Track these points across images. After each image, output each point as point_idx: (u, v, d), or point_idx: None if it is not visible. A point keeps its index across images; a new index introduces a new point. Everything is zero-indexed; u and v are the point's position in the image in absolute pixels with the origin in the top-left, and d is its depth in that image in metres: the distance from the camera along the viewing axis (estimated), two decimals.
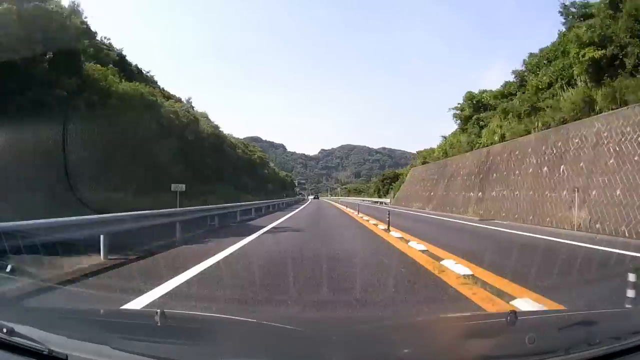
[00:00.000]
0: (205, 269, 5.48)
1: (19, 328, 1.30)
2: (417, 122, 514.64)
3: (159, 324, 1.58)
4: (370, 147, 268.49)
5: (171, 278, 4.76)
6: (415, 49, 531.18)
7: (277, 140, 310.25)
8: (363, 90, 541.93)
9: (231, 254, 7.00)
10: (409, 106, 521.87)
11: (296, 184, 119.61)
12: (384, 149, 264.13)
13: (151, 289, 4.21)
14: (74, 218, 6.18)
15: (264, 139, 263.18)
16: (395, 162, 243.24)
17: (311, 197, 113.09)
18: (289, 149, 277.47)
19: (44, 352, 1.21)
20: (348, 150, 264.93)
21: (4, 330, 1.26)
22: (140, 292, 4.07)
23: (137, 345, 1.43)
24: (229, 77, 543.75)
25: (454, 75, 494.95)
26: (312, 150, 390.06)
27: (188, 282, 4.68)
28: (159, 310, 1.59)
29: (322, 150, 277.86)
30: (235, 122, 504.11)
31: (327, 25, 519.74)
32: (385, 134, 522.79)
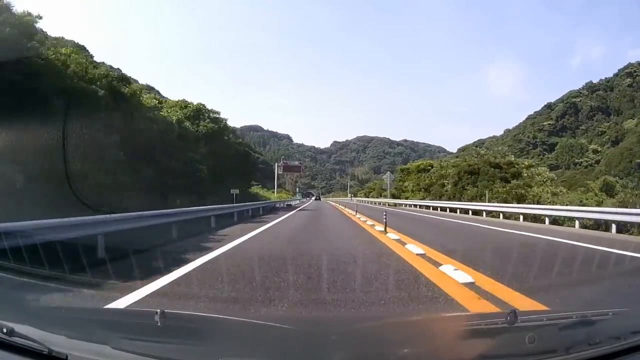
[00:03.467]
0: None
1: (19, 328, 1.30)
2: (436, 115, 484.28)
3: (159, 324, 1.58)
4: (392, 138, 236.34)
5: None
6: (429, 42, 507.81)
7: (281, 131, 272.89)
8: (381, 79, 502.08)
9: None
10: (428, 97, 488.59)
11: (278, 167, 61.52)
12: (406, 141, 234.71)
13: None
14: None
15: (265, 128, 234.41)
16: (419, 155, 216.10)
17: (313, 198, 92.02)
18: (296, 140, 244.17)
19: (44, 352, 1.21)
20: (365, 142, 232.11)
21: (4, 330, 1.26)
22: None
23: (137, 345, 1.43)
24: (230, 65, 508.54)
25: (462, 70, 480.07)
26: (324, 143, 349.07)
27: None
28: (159, 310, 1.60)
29: (335, 142, 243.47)
30: (233, 111, 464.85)
31: (342, 13, 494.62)
32: (407, 125, 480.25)
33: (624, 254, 6.97)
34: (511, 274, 5.03)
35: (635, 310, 2.59)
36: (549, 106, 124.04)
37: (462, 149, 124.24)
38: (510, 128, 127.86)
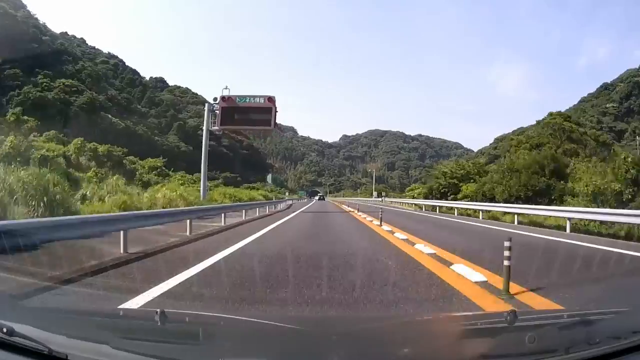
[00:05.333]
0: None
1: (19, 328, 1.30)
2: (448, 111, 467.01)
3: (159, 324, 1.59)
4: (406, 133, 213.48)
5: None
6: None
7: (284, 122, 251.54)
8: (392, 73, 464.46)
9: None
10: (440, 94, 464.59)
11: (212, 115, 23.62)
12: (421, 136, 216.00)
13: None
14: None
15: None
16: (436, 152, 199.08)
17: (316, 197, 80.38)
18: (301, 133, 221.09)
19: (44, 352, 1.21)
20: (377, 137, 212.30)
21: (4, 330, 1.26)
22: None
23: (137, 345, 1.43)
24: (236, 60, 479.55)
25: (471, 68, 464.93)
26: (332, 136, 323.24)
27: None
28: (159, 310, 1.60)
29: (345, 136, 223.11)
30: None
31: (352, 11, 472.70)
32: (421, 120, 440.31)
33: None
34: None
35: (635, 310, 2.58)
36: (606, 87, 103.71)
37: (499, 139, 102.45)
38: (556, 111, 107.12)
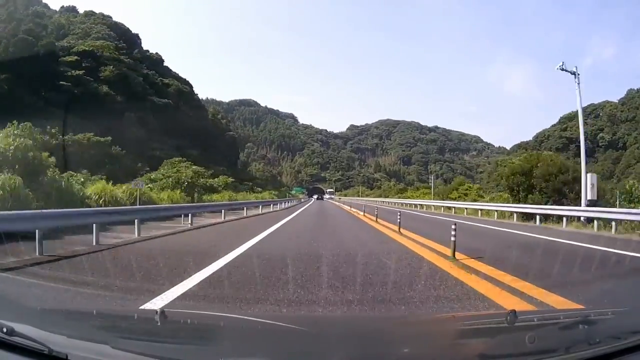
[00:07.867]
0: None
1: (19, 328, 1.30)
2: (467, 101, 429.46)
3: (159, 324, 1.59)
4: (422, 123, 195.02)
5: None
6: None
7: (283, 109, 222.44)
8: (406, 59, 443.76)
9: None
10: (457, 81, 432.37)
11: None
12: (437, 127, 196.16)
13: None
14: None
15: (262, 104, 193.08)
16: (455, 145, 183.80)
17: (314, 197, 70.48)
18: (302, 121, 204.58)
19: (44, 352, 1.21)
20: (389, 127, 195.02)
21: (4, 330, 1.26)
22: None
23: (137, 345, 1.43)
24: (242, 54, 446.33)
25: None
26: (338, 126, 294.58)
27: None
28: (159, 310, 1.60)
29: (352, 126, 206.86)
30: (224, 84, 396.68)
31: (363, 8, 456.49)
32: (437, 110, 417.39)
33: None
34: None
35: (635, 310, 2.59)
36: None
37: (568, 118, 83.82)
38: (637, 88, 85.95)
